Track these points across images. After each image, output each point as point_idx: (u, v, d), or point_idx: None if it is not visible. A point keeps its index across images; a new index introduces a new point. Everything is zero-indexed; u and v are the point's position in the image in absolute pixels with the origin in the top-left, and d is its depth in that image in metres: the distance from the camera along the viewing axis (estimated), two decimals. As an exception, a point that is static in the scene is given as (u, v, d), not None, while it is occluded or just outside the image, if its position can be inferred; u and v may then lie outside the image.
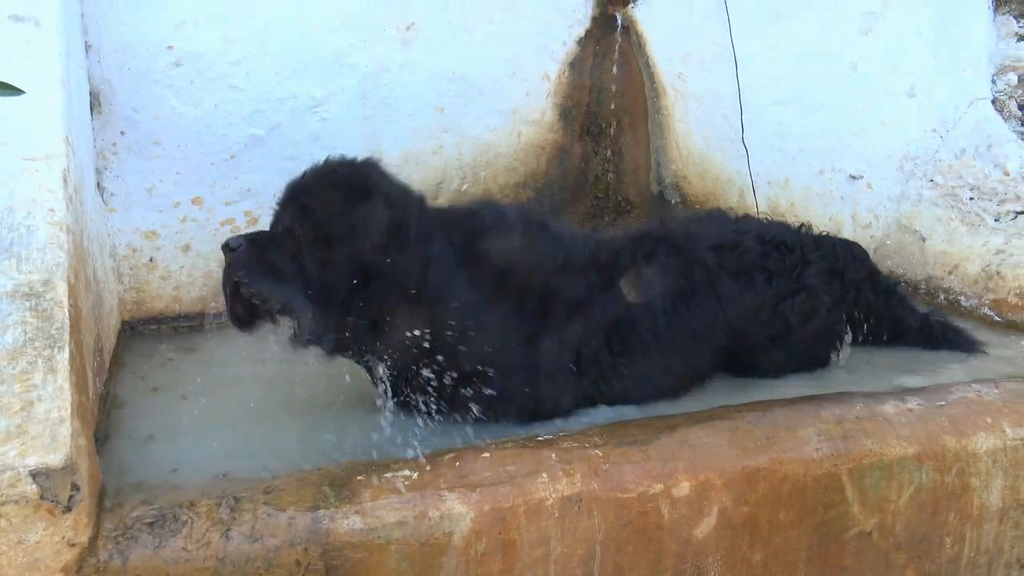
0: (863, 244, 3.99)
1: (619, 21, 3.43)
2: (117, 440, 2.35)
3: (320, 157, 3.17)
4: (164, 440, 2.37)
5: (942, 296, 3.68)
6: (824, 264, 2.89)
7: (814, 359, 2.91)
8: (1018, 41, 4.10)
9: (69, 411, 1.76)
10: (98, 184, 3.00)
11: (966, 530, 2.49)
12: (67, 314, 1.88)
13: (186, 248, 3.14)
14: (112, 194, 3.04)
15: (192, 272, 3.16)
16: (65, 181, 2.09)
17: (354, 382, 2.56)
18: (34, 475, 1.68)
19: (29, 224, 1.95)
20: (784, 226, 3.03)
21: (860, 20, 3.82)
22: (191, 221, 3.14)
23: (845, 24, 3.79)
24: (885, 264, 3.95)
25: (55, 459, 1.70)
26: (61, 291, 1.90)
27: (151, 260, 3.10)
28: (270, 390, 2.72)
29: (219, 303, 3.19)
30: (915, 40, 3.91)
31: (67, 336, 1.84)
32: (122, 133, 3.01)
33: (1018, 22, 4.08)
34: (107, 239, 2.97)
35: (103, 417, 2.42)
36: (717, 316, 2.68)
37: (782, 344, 2.80)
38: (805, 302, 2.79)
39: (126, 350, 2.92)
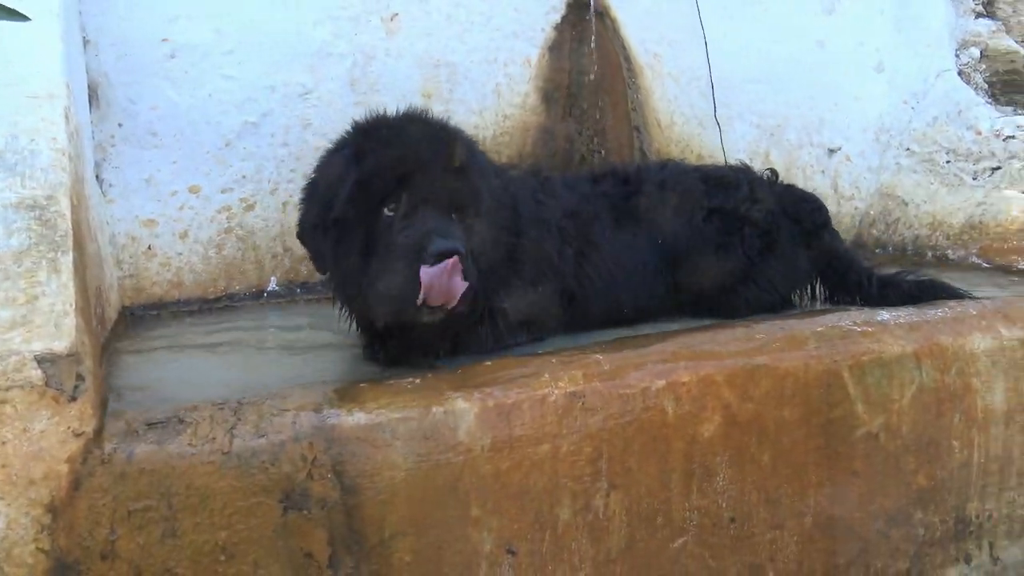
0: (848, 216, 4.11)
1: (592, 6, 3.59)
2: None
3: (312, 143, 3.32)
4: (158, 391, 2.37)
5: (930, 254, 3.74)
6: (774, 204, 2.94)
7: (781, 298, 2.92)
8: (976, 18, 4.29)
9: (73, 307, 1.79)
10: (97, 176, 3.07)
11: (973, 434, 2.49)
12: (69, 225, 1.93)
13: (184, 235, 3.20)
14: (111, 185, 3.12)
15: (191, 259, 3.21)
16: (67, 118, 2.17)
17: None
18: (39, 360, 1.70)
19: (32, 149, 2.02)
20: (737, 168, 3.09)
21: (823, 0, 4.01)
22: (188, 209, 3.21)
23: (809, 3, 3.98)
24: (871, 232, 4.03)
25: (60, 346, 1.72)
26: (64, 205, 1.95)
27: (150, 248, 3.16)
28: (268, 359, 2.72)
29: (218, 288, 3.27)
30: (877, 18, 4.10)
31: (70, 243, 1.89)
32: (120, 125, 3.11)
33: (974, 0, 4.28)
34: (106, 228, 3.03)
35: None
36: (657, 247, 2.78)
37: (741, 280, 2.85)
38: (757, 237, 2.85)
39: (124, 330, 2.94)
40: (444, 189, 2.18)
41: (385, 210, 2.18)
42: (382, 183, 2.17)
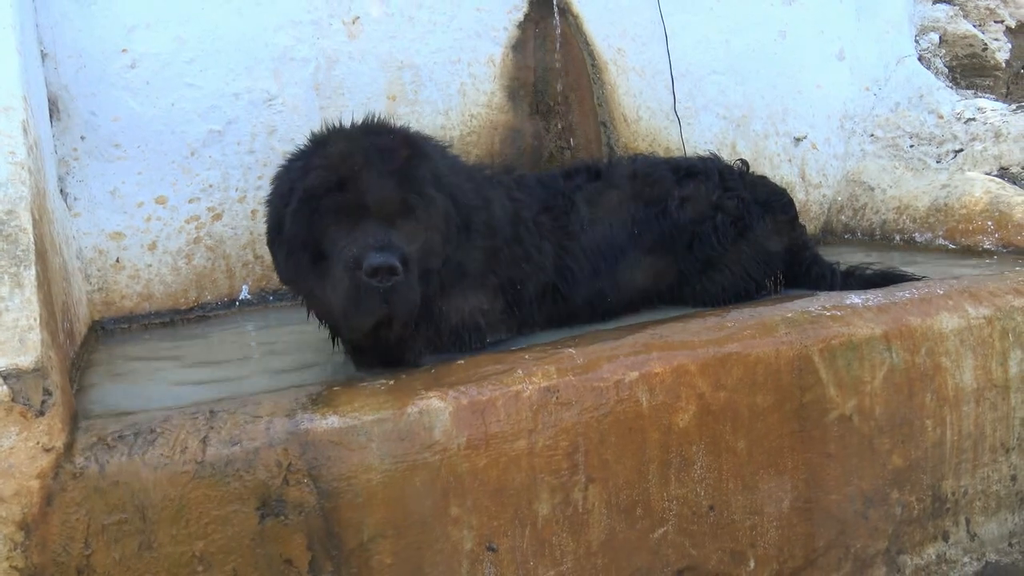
0: (816, 203, 4.15)
1: (555, 3, 3.60)
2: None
3: (278, 149, 3.30)
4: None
5: (897, 237, 3.79)
6: (746, 192, 2.98)
7: (756, 284, 2.95)
8: (934, 3, 4.34)
9: (37, 321, 1.77)
10: (61, 189, 3.03)
11: (945, 413, 2.52)
12: (32, 239, 1.90)
13: (152, 247, 3.17)
14: (76, 198, 3.08)
15: (160, 270, 3.17)
16: (25, 132, 2.14)
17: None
18: (5, 376, 1.68)
19: (-10, 163, 1.99)
20: (707, 158, 3.12)
21: (782, -10, 4.05)
22: (156, 220, 3.17)
23: (768, -5, 4.02)
24: (839, 219, 4.07)
25: (25, 361, 1.70)
26: (25, 220, 1.93)
27: (118, 261, 3.12)
28: (244, 367, 2.70)
29: (188, 299, 3.24)
30: (837, 6, 4.14)
31: (33, 258, 1.87)
32: (82, 138, 3.07)
33: (931, -15, 4.34)
34: (72, 241, 2.99)
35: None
36: (633, 238, 2.81)
37: (716, 267, 2.88)
38: (730, 225, 2.88)
39: (95, 346, 2.90)
40: (387, 200, 2.15)
41: (330, 223, 2.16)
42: (325, 197, 2.15)
